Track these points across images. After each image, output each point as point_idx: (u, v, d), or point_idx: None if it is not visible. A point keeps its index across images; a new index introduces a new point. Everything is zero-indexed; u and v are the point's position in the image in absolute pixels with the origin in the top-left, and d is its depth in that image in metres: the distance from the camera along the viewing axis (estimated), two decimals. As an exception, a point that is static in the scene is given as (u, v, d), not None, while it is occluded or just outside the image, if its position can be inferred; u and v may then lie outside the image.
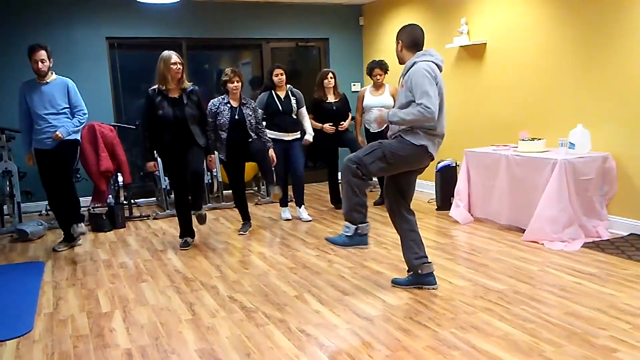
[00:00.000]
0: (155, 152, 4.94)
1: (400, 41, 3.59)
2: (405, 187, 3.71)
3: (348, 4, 8.16)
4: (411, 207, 3.75)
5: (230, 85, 5.23)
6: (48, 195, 5.04)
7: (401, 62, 3.64)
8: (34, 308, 3.69)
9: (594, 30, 5.00)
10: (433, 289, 3.70)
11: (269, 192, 5.64)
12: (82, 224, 5.08)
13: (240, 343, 3.04)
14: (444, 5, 6.73)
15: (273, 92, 5.76)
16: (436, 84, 3.39)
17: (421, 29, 3.63)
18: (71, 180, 5.06)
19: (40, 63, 4.70)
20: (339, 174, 6.23)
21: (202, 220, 5.16)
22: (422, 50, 3.56)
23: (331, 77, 6.14)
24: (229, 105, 5.26)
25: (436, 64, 3.48)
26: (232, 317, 3.41)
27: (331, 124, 6.08)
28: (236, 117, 5.25)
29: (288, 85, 5.86)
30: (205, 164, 5.07)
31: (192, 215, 5.10)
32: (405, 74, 3.51)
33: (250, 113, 5.32)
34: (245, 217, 5.59)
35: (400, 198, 3.71)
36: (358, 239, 3.56)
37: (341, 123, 6.12)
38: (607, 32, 4.89)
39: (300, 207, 5.99)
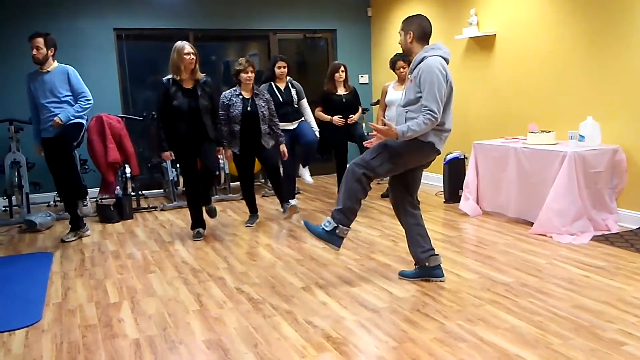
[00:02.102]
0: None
1: (410, 32, 3.51)
2: (410, 182, 3.69)
3: (356, -5, 8.12)
4: (418, 200, 3.74)
5: (243, 75, 5.16)
6: (56, 183, 5.07)
7: (408, 53, 3.60)
8: (42, 298, 3.72)
9: (604, 21, 4.95)
10: (440, 281, 3.69)
11: (284, 209, 5.45)
12: (83, 203, 5.13)
13: (247, 334, 3.05)
14: (452, -4, 6.68)
15: (273, 83, 5.76)
16: (447, 82, 3.39)
17: (429, 20, 3.58)
18: (71, 160, 5.02)
19: (35, 50, 4.71)
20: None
21: (212, 213, 5.19)
22: (428, 42, 3.53)
23: (342, 71, 6.06)
24: (241, 97, 5.19)
25: (445, 58, 3.45)
26: (239, 308, 3.42)
27: (340, 116, 6.04)
28: (248, 108, 5.18)
29: (288, 77, 5.86)
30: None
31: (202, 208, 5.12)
32: (414, 68, 3.48)
33: (264, 104, 5.27)
34: (253, 209, 5.57)
35: (406, 193, 3.69)
36: (333, 238, 3.55)
37: (350, 116, 6.08)
38: (618, 23, 4.83)
39: (304, 167, 5.98)
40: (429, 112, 3.32)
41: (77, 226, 5.20)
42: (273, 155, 5.38)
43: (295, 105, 5.84)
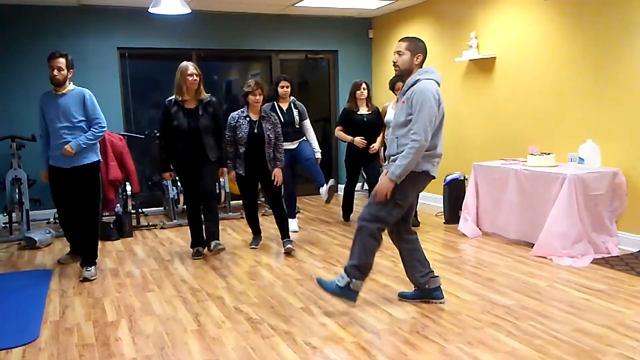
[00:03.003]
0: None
1: (419, 55, 3.45)
2: (407, 210, 3.62)
3: (358, 17, 8.21)
4: (418, 221, 3.76)
5: (251, 97, 5.02)
6: (59, 214, 4.84)
7: (406, 74, 3.47)
8: (40, 316, 3.70)
9: (604, 45, 5.00)
10: (440, 303, 3.68)
11: (284, 244, 5.20)
12: (93, 268, 4.56)
13: (245, 354, 3.03)
14: (453, 19, 6.75)
15: (276, 103, 5.75)
16: (439, 107, 3.37)
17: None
18: (97, 211, 4.65)
19: (56, 70, 4.40)
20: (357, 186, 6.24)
21: (217, 251, 4.91)
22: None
23: (364, 89, 5.90)
24: (248, 119, 5.07)
25: (437, 82, 3.44)
26: (237, 328, 3.40)
27: (363, 137, 5.85)
28: (255, 131, 5.05)
29: (291, 97, 5.84)
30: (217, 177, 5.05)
31: (205, 230, 5.02)
32: (407, 90, 3.41)
33: (270, 127, 5.12)
34: (256, 230, 5.52)
35: (401, 221, 3.61)
36: (348, 293, 3.50)
37: (372, 146, 5.88)
38: (617, 47, 4.88)
39: (323, 186, 5.68)
40: (414, 134, 3.27)
41: (77, 252, 4.90)
42: (277, 192, 5.25)
43: (297, 126, 5.81)
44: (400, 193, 3.41)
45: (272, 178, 5.14)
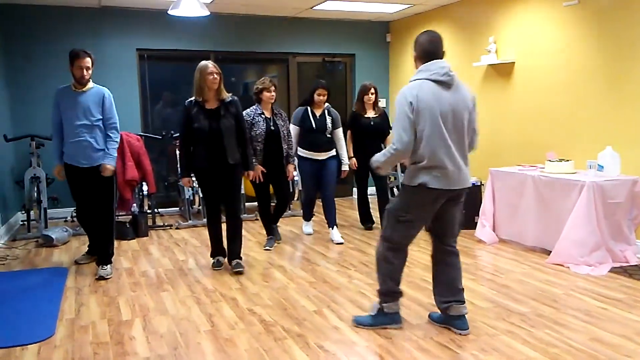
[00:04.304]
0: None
1: (414, 52, 3.21)
2: (437, 228, 3.33)
3: (375, 20, 8.20)
4: (453, 243, 3.36)
5: (266, 94, 5.12)
6: (78, 211, 4.88)
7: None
8: (56, 313, 3.73)
9: (623, 51, 4.93)
10: (461, 333, 3.26)
11: (271, 237, 5.49)
12: (109, 267, 4.60)
13: (258, 356, 3.03)
14: (472, 24, 6.71)
15: (310, 108, 5.60)
16: (412, 112, 3.01)
17: (432, 35, 3.19)
18: (112, 210, 4.69)
19: (85, 70, 4.40)
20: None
21: (237, 272, 4.63)
22: (435, 59, 3.14)
23: (372, 93, 5.90)
24: (263, 116, 5.15)
25: (434, 80, 3.05)
26: (250, 329, 3.40)
27: (355, 161, 5.91)
28: (272, 128, 5.16)
29: (326, 104, 5.67)
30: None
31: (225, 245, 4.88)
32: None
33: (282, 123, 5.26)
34: (270, 231, 5.52)
35: (436, 240, 3.37)
36: (383, 318, 3.34)
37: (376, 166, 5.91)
38: (637, 53, 4.81)
39: (332, 228, 5.69)
40: (392, 142, 3.10)
41: (94, 252, 4.90)
42: (288, 187, 5.39)
43: (328, 135, 5.62)
44: (401, 209, 3.19)
45: (287, 174, 5.28)
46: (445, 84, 3.07)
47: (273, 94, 5.16)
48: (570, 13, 5.43)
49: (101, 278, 4.48)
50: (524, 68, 6.04)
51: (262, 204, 5.41)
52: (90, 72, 4.47)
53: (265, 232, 5.56)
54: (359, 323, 3.41)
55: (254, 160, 4.96)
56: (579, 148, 5.38)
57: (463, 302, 3.30)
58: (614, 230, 4.74)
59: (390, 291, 3.32)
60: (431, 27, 7.40)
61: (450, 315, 3.32)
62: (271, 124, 5.19)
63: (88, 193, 4.62)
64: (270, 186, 5.39)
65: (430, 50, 3.14)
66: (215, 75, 4.49)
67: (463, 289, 3.35)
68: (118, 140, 4.61)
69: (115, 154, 4.58)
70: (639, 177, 4.82)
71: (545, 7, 5.71)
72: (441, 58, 3.15)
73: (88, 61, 4.43)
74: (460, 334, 3.27)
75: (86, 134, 4.47)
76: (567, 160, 5.09)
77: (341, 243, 5.56)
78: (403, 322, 3.41)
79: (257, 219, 6.37)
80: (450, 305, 3.29)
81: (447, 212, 3.24)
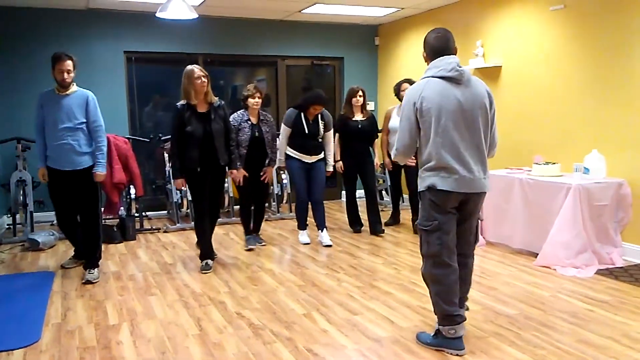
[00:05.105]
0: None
1: (424, 51, 3.10)
2: (457, 234, 3.14)
3: (364, 23, 8.22)
4: (466, 253, 3.24)
5: (251, 100, 5.25)
6: (58, 216, 4.75)
7: None
8: (42, 318, 3.70)
9: (610, 55, 4.99)
10: (457, 354, 3.06)
11: (249, 239, 5.61)
12: (96, 271, 4.58)
13: (246, 360, 3.02)
14: (460, 28, 6.75)
15: (303, 113, 5.55)
16: (416, 113, 2.94)
17: (439, 32, 3.06)
18: (97, 214, 4.65)
19: (65, 73, 4.37)
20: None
21: (207, 268, 4.77)
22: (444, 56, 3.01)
23: (360, 96, 5.94)
24: (249, 122, 5.28)
25: (442, 77, 2.94)
26: (239, 333, 3.39)
27: (341, 165, 5.95)
28: (256, 134, 5.31)
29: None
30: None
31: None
32: None
33: (268, 130, 5.39)
34: (249, 231, 5.61)
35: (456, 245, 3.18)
36: (441, 341, 3.08)
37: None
38: (623, 57, 4.87)
39: (321, 231, 5.69)
40: (395, 143, 3.08)
41: (81, 256, 4.86)
42: (265, 189, 5.59)
43: (320, 140, 5.63)
44: (424, 217, 3.05)
45: (262, 174, 5.41)
46: (453, 79, 2.94)
47: (258, 100, 5.27)
48: (557, 17, 5.48)
49: (88, 282, 4.45)
50: (511, 72, 6.09)
51: (244, 204, 5.54)
52: (71, 75, 4.43)
53: (244, 233, 5.65)
54: (419, 340, 3.22)
55: (238, 164, 5.04)
56: (565, 151, 5.43)
57: (463, 308, 3.20)
58: (600, 233, 4.79)
59: (444, 314, 3.04)
60: (419, 30, 7.45)
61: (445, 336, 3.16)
62: (256, 130, 5.32)
63: (71, 197, 4.59)
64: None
65: (437, 47, 3.02)
66: (204, 79, 4.58)
67: (466, 298, 3.26)
68: (105, 144, 4.59)
69: (105, 160, 4.57)
70: (624, 179, 4.87)
71: (532, 11, 5.76)
72: (451, 54, 3.01)
73: (69, 64, 4.40)
74: (458, 354, 3.09)
75: (69, 137, 4.44)
76: (554, 163, 5.14)
77: (330, 245, 5.56)
78: (464, 348, 3.09)
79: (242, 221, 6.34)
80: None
81: (463, 220, 3.11)
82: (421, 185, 3.05)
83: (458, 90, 2.94)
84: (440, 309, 3.05)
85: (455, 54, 3.04)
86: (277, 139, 5.56)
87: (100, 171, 4.53)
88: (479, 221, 3.23)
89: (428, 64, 3.05)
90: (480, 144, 2.98)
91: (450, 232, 3.03)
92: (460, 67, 2.96)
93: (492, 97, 3.07)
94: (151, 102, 7.65)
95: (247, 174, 5.17)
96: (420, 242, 3.11)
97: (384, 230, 6.13)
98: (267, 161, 5.44)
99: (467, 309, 3.34)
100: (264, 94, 5.36)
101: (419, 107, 2.93)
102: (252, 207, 5.61)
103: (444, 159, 2.92)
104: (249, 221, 5.61)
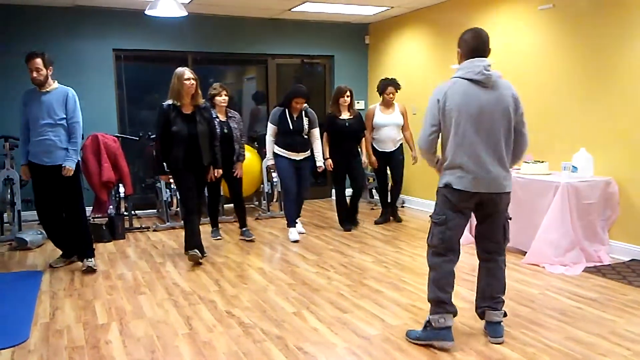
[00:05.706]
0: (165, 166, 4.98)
1: (459, 50, 3.11)
2: (477, 234, 3.33)
3: (354, 22, 8.22)
4: (490, 252, 3.29)
5: (218, 98, 5.52)
6: (39, 212, 4.75)
7: None
8: (30, 317, 3.67)
9: (598, 54, 5.03)
10: (490, 341, 3.18)
11: (214, 232, 5.95)
12: (93, 260, 4.73)
13: (237, 359, 3.01)
14: (449, 26, 6.77)
15: (287, 110, 5.68)
16: (439, 110, 3.01)
17: (477, 31, 3.09)
18: (81, 208, 4.71)
19: (35, 72, 4.44)
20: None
21: (195, 259, 4.85)
22: (479, 56, 3.04)
23: (348, 96, 6.01)
24: (217, 119, 5.42)
25: (469, 79, 2.98)
26: (229, 332, 3.38)
27: (331, 163, 6.01)
28: (225, 130, 5.51)
29: (304, 104, 5.75)
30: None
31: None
32: None
33: (236, 126, 5.63)
34: (215, 224, 5.95)
35: (477, 245, 3.37)
36: (429, 333, 3.12)
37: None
38: (611, 56, 4.91)
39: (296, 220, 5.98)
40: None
41: (68, 254, 4.92)
42: (239, 185, 5.77)
43: (305, 136, 5.77)
44: (436, 211, 3.16)
45: (234, 171, 5.63)
46: (480, 82, 2.99)
47: (225, 97, 5.52)
48: (545, 17, 5.51)
49: (89, 269, 4.62)
50: (500, 70, 6.07)
51: (212, 200, 5.88)
52: (42, 72, 4.49)
53: (211, 226, 5.96)
54: (408, 337, 3.23)
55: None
56: (553, 150, 5.46)
57: (497, 309, 3.21)
58: (588, 231, 4.83)
59: (437, 300, 3.10)
60: (410, 29, 7.47)
61: (486, 321, 3.27)
62: (225, 127, 5.54)
63: (53, 192, 4.64)
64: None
65: (473, 46, 3.04)
66: (192, 82, 4.78)
67: (500, 297, 3.23)
68: (80, 141, 4.67)
69: (76, 155, 4.61)
70: (612, 178, 4.91)
71: (520, 11, 5.79)
72: (485, 54, 3.05)
73: (38, 62, 4.46)
74: (489, 340, 3.19)
75: (50, 133, 4.52)
76: (542, 162, 5.17)
77: (303, 233, 6.00)
78: (454, 340, 3.12)
79: (235, 221, 6.34)
80: (483, 311, 3.27)
81: (485, 219, 3.21)
82: (439, 181, 3.16)
83: (482, 93, 2.99)
84: (434, 295, 3.12)
85: (488, 56, 3.08)
86: (244, 136, 5.83)
87: (69, 165, 4.54)
88: (508, 220, 3.27)
89: (459, 63, 3.10)
90: (499, 145, 3.04)
91: (454, 229, 3.12)
92: (488, 70, 3.00)
93: (518, 101, 3.16)
94: (140, 101, 7.60)
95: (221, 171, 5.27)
96: (429, 231, 3.22)
97: (350, 229, 6.24)
98: (235, 157, 5.64)
99: (505, 315, 3.27)
100: (230, 92, 5.67)
101: (441, 105, 3.01)
102: (233, 204, 5.93)
103: (459, 159, 3.01)
104: (216, 215, 5.97)
